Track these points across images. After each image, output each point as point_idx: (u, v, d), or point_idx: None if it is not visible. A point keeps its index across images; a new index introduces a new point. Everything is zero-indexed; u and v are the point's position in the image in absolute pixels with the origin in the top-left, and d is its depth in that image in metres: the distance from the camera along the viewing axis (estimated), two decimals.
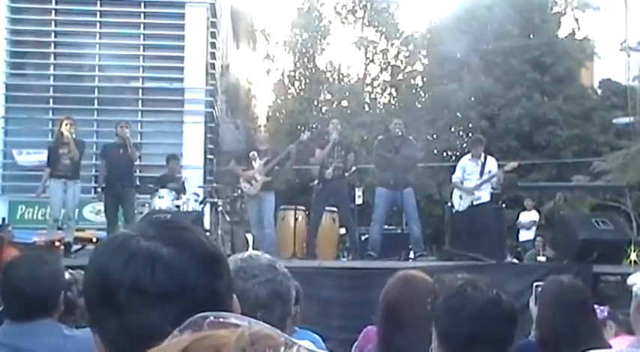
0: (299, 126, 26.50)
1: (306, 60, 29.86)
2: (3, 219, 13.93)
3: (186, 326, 0.92)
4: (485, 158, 10.95)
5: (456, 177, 11.07)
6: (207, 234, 9.14)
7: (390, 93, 29.67)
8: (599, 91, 26.08)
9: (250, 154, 10.97)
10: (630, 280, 2.54)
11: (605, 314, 3.36)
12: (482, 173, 10.78)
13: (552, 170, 23.24)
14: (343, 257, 12.72)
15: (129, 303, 1.13)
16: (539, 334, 3.04)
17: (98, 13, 20.45)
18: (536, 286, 3.21)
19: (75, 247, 11.74)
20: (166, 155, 12.93)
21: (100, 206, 13.18)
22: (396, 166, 10.55)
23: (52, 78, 20.40)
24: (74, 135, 11.21)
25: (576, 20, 26.83)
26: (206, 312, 0.94)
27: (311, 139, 11.33)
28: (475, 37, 24.46)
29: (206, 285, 1.16)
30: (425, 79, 28.61)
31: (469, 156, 11.19)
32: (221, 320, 0.92)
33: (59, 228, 11.66)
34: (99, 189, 12.16)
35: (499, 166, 11.07)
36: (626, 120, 20.44)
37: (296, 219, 10.78)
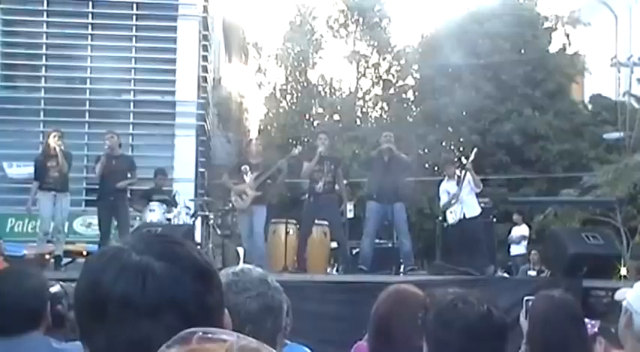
0: (291, 140, 26.54)
1: (298, 73, 29.93)
2: None
3: (174, 341, 0.92)
4: (461, 172, 11.02)
5: (443, 201, 11.16)
6: (198, 247, 9.13)
7: (382, 108, 29.75)
8: (590, 106, 26.22)
9: (242, 168, 10.95)
10: (618, 295, 2.54)
11: (596, 329, 3.35)
12: (460, 184, 10.89)
13: (543, 184, 23.31)
14: (336, 271, 12.71)
15: (119, 316, 1.12)
16: (530, 349, 3.05)
17: (90, 26, 20.46)
18: (527, 300, 3.22)
19: (65, 260, 11.64)
20: (155, 169, 12.80)
21: (91, 219, 13.14)
22: (386, 180, 10.56)
23: (43, 90, 20.38)
24: (62, 147, 11.08)
25: (567, 36, 27.00)
26: (195, 327, 0.94)
27: (303, 154, 11.32)
28: (467, 52, 24.57)
29: (197, 299, 1.15)
30: (416, 94, 28.70)
31: (445, 179, 11.27)
32: (209, 335, 0.91)
33: (49, 241, 11.58)
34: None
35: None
36: (616, 135, 20.53)
37: (287, 233, 10.76)
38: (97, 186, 11.68)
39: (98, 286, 1.15)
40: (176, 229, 10.25)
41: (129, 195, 12.00)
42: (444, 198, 11.12)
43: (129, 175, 11.33)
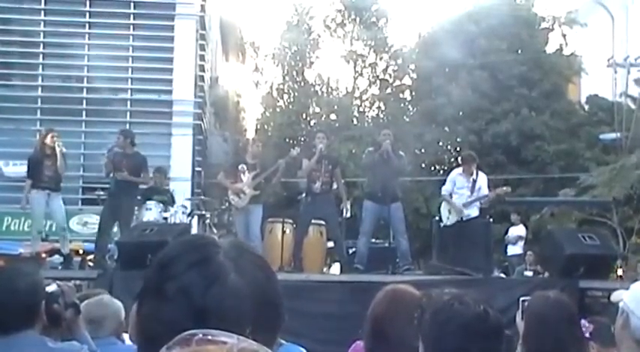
0: (287, 139, 26.53)
1: (295, 73, 29.91)
2: None
3: (174, 343, 0.92)
4: (477, 175, 10.93)
5: (445, 190, 11.05)
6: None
7: (379, 107, 29.75)
8: (586, 107, 26.24)
9: (239, 167, 10.94)
10: (614, 297, 2.54)
11: (587, 335, 3.34)
12: (472, 189, 10.75)
13: (539, 185, 23.33)
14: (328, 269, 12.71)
15: (170, 298, 1.13)
16: (526, 349, 3.05)
17: (87, 24, 20.44)
18: (523, 301, 3.22)
19: (60, 259, 11.57)
20: (155, 167, 12.74)
21: (87, 218, 13.11)
22: (383, 179, 10.55)
23: (39, 89, 20.35)
24: (64, 149, 11.03)
25: (564, 36, 27.04)
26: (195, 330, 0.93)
27: (301, 153, 11.29)
28: (463, 52, 24.59)
29: (243, 327, 1.13)
30: (413, 93, 28.71)
31: (460, 170, 11.14)
32: (209, 337, 0.91)
33: (44, 240, 11.51)
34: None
35: (489, 187, 11.02)
36: (612, 135, 20.56)
37: (283, 232, 10.76)
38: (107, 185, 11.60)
39: (176, 260, 1.17)
40: (172, 228, 10.24)
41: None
42: (447, 186, 11.02)
43: (142, 175, 11.24)
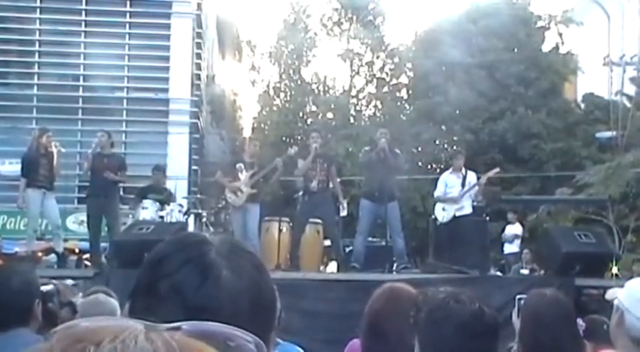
0: (284, 138, 26.53)
1: (291, 71, 29.90)
2: None
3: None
4: (466, 171, 11.12)
5: (438, 192, 11.19)
6: None
7: (375, 106, 29.75)
8: (583, 106, 26.29)
9: (237, 166, 10.94)
10: (609, 295, 2.55)
11: (581, 333, 3.34)
12: (463, 185, 10.94)
13: (536, 183, 23.36)
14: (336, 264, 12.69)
15: (163, 296, 1.13)
16: (522, 347, 3.05)
17: (83, 23, 20.41)
18: (519, 299, 3.22)
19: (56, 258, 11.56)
20: (152, 166, 12.72)
21: (83, 216, 13.06)
22: (380, 178, 10.55)
23: (35, 87, 20.31)
24: (62, 149, 11.04)
25: (560, 35, 27.06)
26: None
27: (297, 153, 11.29)
28: (461, 50, 24.60)
29: (238, 325, 1.14)
30: (410, 92, 28.72)
31: (449, 170, 11.38)
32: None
33: (40, 239, 11.49)
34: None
35: (479, 178, 11.19)
36: (608, 134, 20.60)
37: (280, 231, 10.75)
38: (87, 184, 11.64)
39: (167, 260, 1.16)
40: (169, 227, 10.23)
41: (121, 194, 11.92)
42: (440, 188, 11.16)
43: (119, 174, 11.27)
